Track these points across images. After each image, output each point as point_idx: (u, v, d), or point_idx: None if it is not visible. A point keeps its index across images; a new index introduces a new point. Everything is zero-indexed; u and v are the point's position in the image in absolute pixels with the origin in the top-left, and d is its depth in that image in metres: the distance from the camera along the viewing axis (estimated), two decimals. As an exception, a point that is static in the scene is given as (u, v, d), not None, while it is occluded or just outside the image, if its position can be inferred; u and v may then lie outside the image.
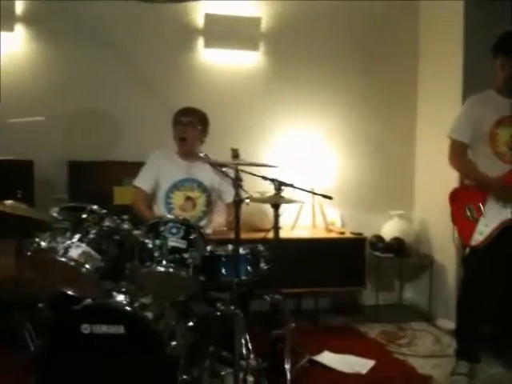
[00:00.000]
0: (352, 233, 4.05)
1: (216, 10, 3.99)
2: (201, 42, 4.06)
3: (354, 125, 4.34)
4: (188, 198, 3.27)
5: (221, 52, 4.09)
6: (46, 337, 2.31)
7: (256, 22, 4.08)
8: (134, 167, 3.58)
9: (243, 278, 2.57)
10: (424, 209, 4.41)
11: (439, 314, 4.03)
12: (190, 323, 2.62)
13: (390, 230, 4.22)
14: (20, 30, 3.76)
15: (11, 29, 3.68)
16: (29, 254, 2.35)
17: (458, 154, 3.04)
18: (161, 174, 3.29)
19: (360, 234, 4.03)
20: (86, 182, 3.82)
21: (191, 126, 3.26)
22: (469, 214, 2.94)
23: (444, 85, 4.05)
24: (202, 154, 2.91)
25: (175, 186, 3.27)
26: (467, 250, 2.98)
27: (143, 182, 3.31)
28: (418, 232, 4.38)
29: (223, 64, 4.11)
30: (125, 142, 3.96)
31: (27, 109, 3.64)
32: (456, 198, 3.05)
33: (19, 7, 3.73)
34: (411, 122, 4.45)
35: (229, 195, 3.18)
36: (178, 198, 3.26)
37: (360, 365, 3.19)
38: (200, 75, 4.08)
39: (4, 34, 3.67)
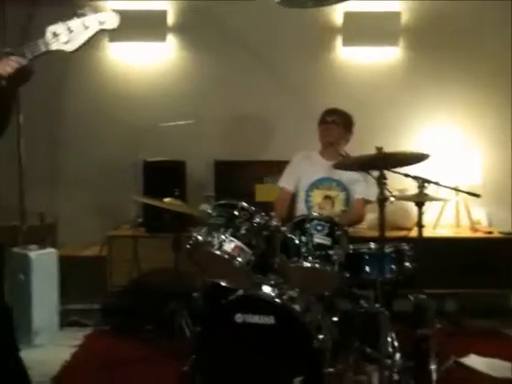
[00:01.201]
0: (500, 232, 3.85)
1: (355, 7, 4.00)
2: (339, 40, 4.10)
3: (499, 117, 4.11)
4: (326, 197, 3.34)
5: (360, 49, 4.10)
6: (201, 324, 2.50)
7: (396, 16, 4.03)
8: (275, 166, 3.76)
9: (387, 276, 2.59)
10: None
11: None
12: (335, 318, 2.68)
13: (543, 229, 3.94)
14: (171, 39, 4.07)
15: (163, 39, 4.01)
16: (187, 247, 2.57)
17: None
18: (302, 173, 3.39)
19: (509, 234, 3.81)
20: (231, 180, 4.05)
21: (335, 124, 3.33)
22: None
23: None
24: (342, 152, 2.97)
25: (314, 185, 3.34)
26: None
27: (287, 181, 3.44)
28: None
29: (362, 61, 4.11)
30: (268, 141, 4.13)
31: (178, 113, 3.93)
32: None
33: (170, 18, 4.04)
34: None
35: (362, 192, 3.22)
36: (316, 197, 3.34)
37: (510, 370, 3.03)
38: (340, 74, 4.12)
39: (157, 44, 4.00)
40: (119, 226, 3.90)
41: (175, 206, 3.02)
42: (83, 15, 1.65)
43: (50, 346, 3.32)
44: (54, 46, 1.67)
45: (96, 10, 1.65)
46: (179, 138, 3.94)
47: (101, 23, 1.65)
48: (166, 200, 3.04)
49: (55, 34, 1.65)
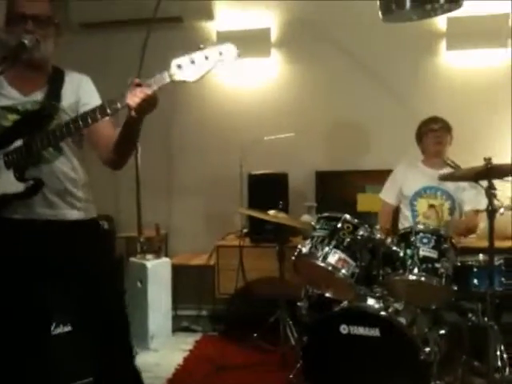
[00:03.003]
0: None
1: (459, 11, 3.89)
2: (443, 44, 4.01)
3: None
4: (431, 206, 3.28)
5: (464, 53, 3.99)
6: (307, 334, 2.56)
7: (503, 18, 3.88)
8: (377, 175, 3.76)
9: (497, 289, 2.51)
10: None
11: None
12: (442, 331, 2.64)
13: None
14: (275, 54, 4.20)
15: (268, 54, 4.15)
16: (292, 258, 2.66)
17: None
18: (405, 182, 3.36)
19: None
20: (332, 190, 4.10)
21: (444, 131, 3.29)
22: None
23: None
24: (449, 162, 2.92)
25: (418, 194, 3.30)
26: None
27: (387, 194, 3.44)
28: None
29: (468, 65, 3.99)
30: (369, 150, 4.12)
31: (281, 126, 4.02)
32: None
33: (274, 34, 4.17)
34: None
35: (472, 201, 3.14)
36: (421, 206, 3.29)
37: None
38: (443, 79, 4.02)
39: (261, 59, 4.15)
40: (226, 236, 4.07)
41: (279, 218, 3.12)
42: (205, 48, 1.77)
43: (164, 350, 3.53)
44: (178, 77, 1.78)
45: (216, 43, 1.77)
46: (282, 151, 4.04)
47: (220, 54, 1.77)
48: (271, 212, 3.14)
49: (179, 66, 1.77)
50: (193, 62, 1.76)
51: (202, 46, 1.77)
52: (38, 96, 2.09)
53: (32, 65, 2.07)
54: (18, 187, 2.00)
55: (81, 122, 1.92)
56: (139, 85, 1.81)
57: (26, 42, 1.95)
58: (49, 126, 2.03)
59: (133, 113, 1.85)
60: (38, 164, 2.03)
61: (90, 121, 1.91)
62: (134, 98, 1.81)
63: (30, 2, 2.04)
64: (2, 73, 1.92)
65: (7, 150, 2.00)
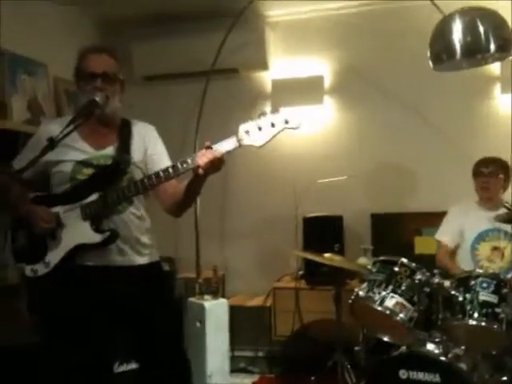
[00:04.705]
0: None
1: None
2: (498, 88, 4.03)
3: None
4: (495, 249, 3.25)
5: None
6: (366, 378, 2.57)
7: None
8: (433, 217, 3.75)
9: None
10: None
11: None
12: (504, 378, 2.59)
13: None
14: (328, 101, 4.32)
15: (321, 101, 4.27)
16: (349, 301, 2.69)
17: None
18: (464, 226, 3.35)
19: None
20: (388, 232, 4.11)
21: (493, 176, 3.28)
22: None
23: None
24: (506, 204, 2.91)
25: (480, 237, 3.28)
26: None
27: (445, 235, 3.43)
28: None
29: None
30: (423, 192, 4.13)
31: (335, 170, 4.09)
32: None
33: (327, 82, 4.31)
34: None
35: None
36: (484, 250, 3.27)
37: None
38: (497, 122, 4.02)
39: (314, 106, 4.28)
40: (282, 278, 4.13)
41: (335, 261, 3.17)
42: (271, 114, 1.90)
43: (222, 390, 3.59)
44: (246, 142, 1.93)
45: (281, 110, 1.89)
46: (335, 194, 4.11)
47: (286, 122, 1.90)
48: (326, 255, 3.19)
49: (247, 132, 1.91)
50: (260, 128, 1.89)
51: (268, 112, 1.90)
52: (110, 150, 2.23)
53: (103, 120, 2.22)
54: (95, 238, 2.14)
55: (154, 179, 2.06)
56: (209, 147, 1.95)
57: (97, 99, 2.11)
58: (122, 180, 2.18)
59: (200, 171, 1.97)
60: (111, 215, 2.17)
61: (163, 178, 2.05)
62: (204, 157, 1.95)
63: (99, 61, 2.21)
64: (75, 128, 2.06)
65: (83, 202, 2.15)
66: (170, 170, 2.04)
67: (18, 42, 3.47)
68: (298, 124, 1.89)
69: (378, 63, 4.17)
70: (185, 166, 2.01)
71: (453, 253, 3.42)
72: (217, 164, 1.96)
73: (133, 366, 2.83)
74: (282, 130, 1.90)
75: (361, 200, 4.21)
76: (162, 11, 4.21)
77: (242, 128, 1.91)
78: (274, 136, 1.89)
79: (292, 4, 4.20)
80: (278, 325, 3.93)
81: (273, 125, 1.88)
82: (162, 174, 2.05)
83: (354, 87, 4.25)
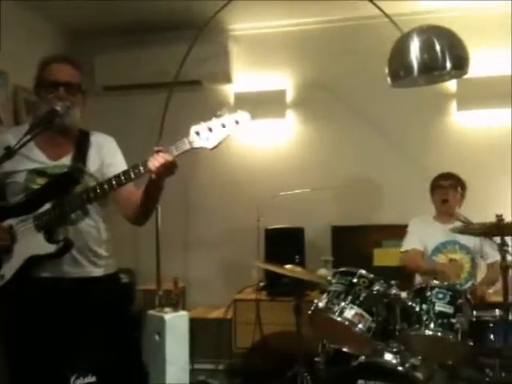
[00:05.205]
0: None
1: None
2: (454, 105, 4.16)
3: None
4: (452, 260, 3.34)
5: (474, 113, 4.12)
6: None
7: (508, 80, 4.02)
8: (393, 229, 3.84)
9: (513, 344, 2.54)
10: None
11: None
12: (459, 388, 2.65)
13: None
14: (290, 115, 4.39)
15: (283, 115, 4.33)
16: (309, 312, 2.71)
17: None
18: (423, 237, 3.43)
19: None
20: (348, 244, 4.17)
21: (452, 188, 3.37)
22: None
23: None
24: (461, 217, 3.00)
25: (438, 249, 3.37)
26: None
27: (412, 243, 3.47)
28: None
29: (477, 125, 4.13)
30: (383, 205, 4.22)
31: (296, 182, 4.13)
32: None
33: (289, 96, 4.37)
34: None
35: (494, 254, 3.20)
36: (441, 261, 3.36)
37: None
38: (453, 138, 4.15)
39: (277, 120, 4.33)
40: (243, 290, 4.13)
41: (296, 272, 3.18)
42: (221, 116, 1.90)
43: (181, 404, 3.54)
44: (197, 144, 1.90)
45: (232, 111, 1.90)
46: (297, 206, 4.15)
47: (236, 122, 1.90)
48: (287, 267, 3.21)
49: (197, 133, 1.90)
50: (210, 129, 1.89)
51: (219, 113, 1.89)
52: (66, 160, 2.19)
53: (61, 130, 2.18)
54: (48, 248, 2.09)
55: (106, 187, 2.04)
56: (160, 151, 1.94)
57: (58, 108, 2.07)
58: (75, 189, 2.13)
59: (153, 176, 1.97)
60: (65, 225, 2.13)
61: (115, 186, 2.02)
62: (155, 162, 1.92)
63: (62, 70, 2.18)
64: (33, 138, 2.02)
65: (36, 213, 2.10)
66: (122, 176, 2.01)
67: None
68: (248, 123, 1.89)
69: (339, 79, 4.26)
70: (136, 171, 1.99)
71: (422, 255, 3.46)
72: (169, 167, 1.94)
73: (90, 379, 2.76)
74: (233, 132, 1.89)
75: (322, 212, 4.27)
76: (126, 22, 4.21)
77: (193, 129, 1.90)
78: (225, 138, 1.89)
79: (256, 19, 4.26)
80: (238, 337, 3.92)
81: (223, 126, 1.88)
82: (114, 180, 2.02)
83: (316, 101, 4.33)
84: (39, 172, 2.15)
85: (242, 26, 4.36)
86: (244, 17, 4.22)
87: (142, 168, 1.97)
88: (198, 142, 1.90)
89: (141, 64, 4.31)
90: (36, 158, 2.18)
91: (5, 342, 2.17)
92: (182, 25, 4.08)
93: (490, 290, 3.27)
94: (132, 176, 2.00)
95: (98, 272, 2.23)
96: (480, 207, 3.46)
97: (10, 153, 1.93)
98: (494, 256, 3.22)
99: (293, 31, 4.35)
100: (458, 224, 3.06)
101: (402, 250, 3.52)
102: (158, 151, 1.94)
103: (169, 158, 1.92)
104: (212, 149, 1.90)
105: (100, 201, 2.21)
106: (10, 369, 2.16)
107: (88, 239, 2.20)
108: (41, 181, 2.14)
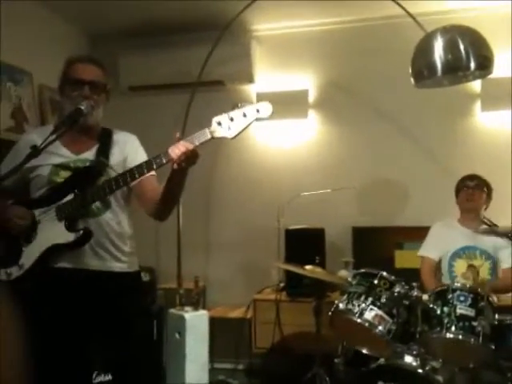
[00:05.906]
0: None
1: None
2: (478, 105, 4.11)
3: None
4: (470, 266, 3.30)
5: (498, 114, 4.07)
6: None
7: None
8: (414, 231, 3.80)
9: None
10: None
11: None
12: (481, 391, 2.61)
13: None
14: (312, 115, 4.38)
15: (305, 115, 4.32)
16: (329, 314, 2.70)
17: None
18: (443, 242, 3.39)
19: None
20: (369, 246, 4.14)
21: (479, 189, 3.33)
22: None
23: None
24: (485, 220, 2.96)
25: (457, 254, 3.33)
26: None
27: (428, 251, 3.45)
28: None
29: (501, 126, 4.07)
30: (405, 207, 4.18)
31: (318, 183, 4.13)
32: None
33: (311, 96, 4.36)
34: None
35: (509, 260, 3.15)
36: (460, 266, 3.32)
37: None
38: (477, 139, 4.10)
39: (299, 120, 4.32)
40: (263, 290, 4.13)
41: (316, 273, 3.18)
42: (243, 106, 1.90)
43: (200, 402, 3.56)
44: (218, 134, 1.90)
45: (252, 102, 1.90)
46: (318, 207, 4.14)
47: (257, 112, 1.89)
48: (307, 267, 3.20)
49: (219, 123, 1.90)
50: (232, 119, 1.89)
51: (240, 104, 1.90)
52: (89, 154, 2.23)
53: (85, 129, 2.22)
54: (68, 237, 2.12)
55: (128, 176, 2.05)
56: (180, 139, 1.95)
57: (82, 108, 2.10)
58: (98, 182, 2.16)
59: (175, 165, 1.97)
60: (86, 217, 2.16)
61: (137, 175, 2.03)
62: (176, 150, 1.93)
63: (87, 70, 2.22)
64: (59, 137, 2.06)
65: (59, 203, 2.14)
66: (144, 165, 2.02)
67: (3, 49, 3.47)
68: (269, 113, 1.89)
69: (362, 79, 4.24)
70: (158, 161, 1.99)
71: (436, 268, 3.45)
72: (190, 156, 1.94)
73: (109, 377, 2.79)
74: (254, 120, 1.88)
75: (343, 213, 4.25)
76: (149, 23, 4.25)
77: (215, 120, 1.91)
78: (247, 127, 1.89)
79: (278, 19, 4.26)
80: (257, 337, 3.93)
81: (245, 115, 1.88)
82: (135, 170, 2.03)
83: (339, 102, 4.31)
84: (63, 166, 2.19)
85: (265, 26, 4.37)
86: (266, 17, 4.23)
87: (163, 158, 1.98)
88: (219, 131, 1.90)
89: (164, 64, 4.34)
90: (60, 152, 2.22)
91: (24, 333, 2.19)
92: (205, 26, 4.10)
93: (495, 298, 3.20)
94: (154, 166, 2.00)
95: (119, 268, 2.24)
96: (505, 209, 3.42)
97: (36, 151, 1.96)
98: (508, 261, 3.18)
99: (315, 31, 4.34)
100: (483, 227, 3.02)
101: (418, 254, 3.50)
102: (178, 139, 1.95)
103: (190, 146, 1.93)
104: (233, 138, 1.90)
105: (123, 195, 2.25)
106: (30, 361, 2.19)
107: (109, 232, 2.22)
108: (64, 174, 2.18)
